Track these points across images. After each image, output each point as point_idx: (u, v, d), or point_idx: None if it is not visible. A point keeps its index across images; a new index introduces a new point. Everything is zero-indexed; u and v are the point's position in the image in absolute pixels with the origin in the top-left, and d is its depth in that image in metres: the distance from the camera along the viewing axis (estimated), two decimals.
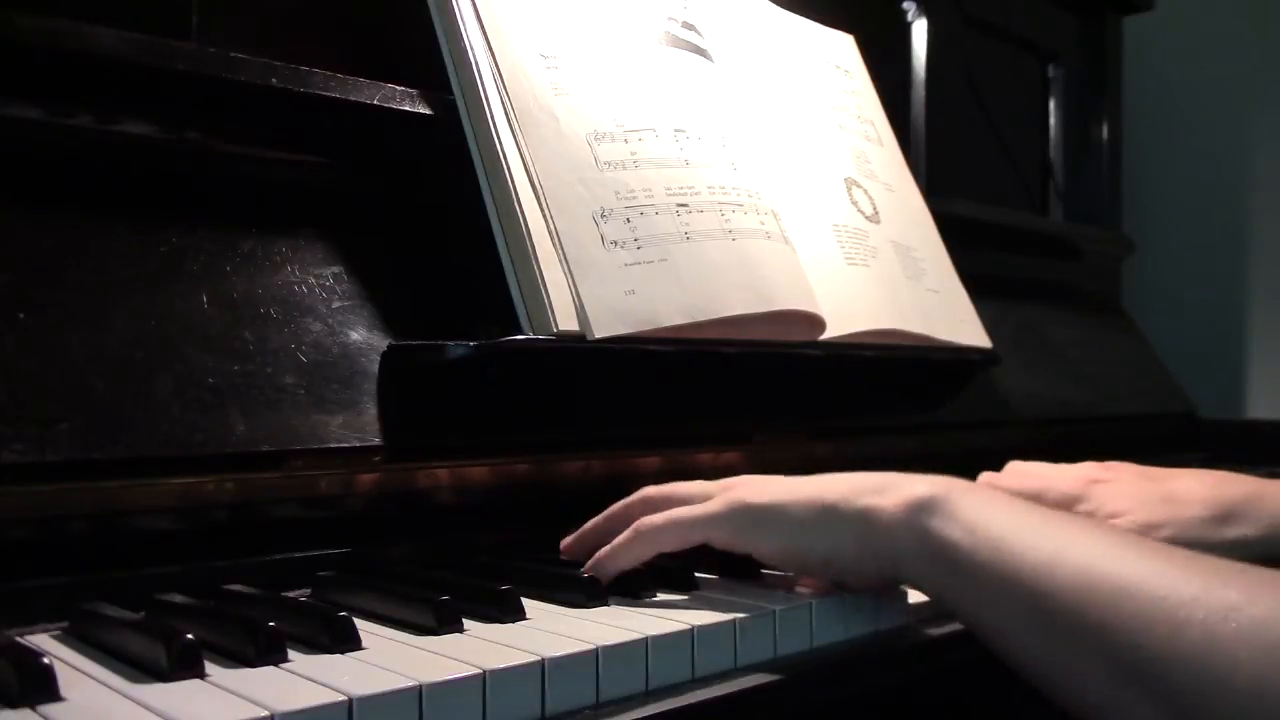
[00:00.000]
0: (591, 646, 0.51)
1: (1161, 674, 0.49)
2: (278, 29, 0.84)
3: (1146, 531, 0.81)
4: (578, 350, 0.75)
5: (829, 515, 0.63)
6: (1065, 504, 0.86)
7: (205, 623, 0.52)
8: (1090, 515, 0.84)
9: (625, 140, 0.82)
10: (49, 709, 0.43)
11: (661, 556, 0.66)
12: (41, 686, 0.44)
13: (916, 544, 0.59)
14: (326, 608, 0.56)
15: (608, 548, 0.65)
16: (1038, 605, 0.54)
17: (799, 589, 0.67)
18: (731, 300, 0.82)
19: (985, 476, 0.92)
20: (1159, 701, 0.50)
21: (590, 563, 0.65)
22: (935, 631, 0.66)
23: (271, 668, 0.48)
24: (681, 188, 0.83)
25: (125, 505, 0.62)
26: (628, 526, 0.66)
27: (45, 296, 0.62)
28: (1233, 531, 0.83)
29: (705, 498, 0.66)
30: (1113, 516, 0.84)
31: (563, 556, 0.71)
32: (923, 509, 0.59)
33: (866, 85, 1.16)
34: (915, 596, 0.67)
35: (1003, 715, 0.73)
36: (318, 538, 0.69)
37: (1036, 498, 0.81)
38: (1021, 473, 0.94)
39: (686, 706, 0.52)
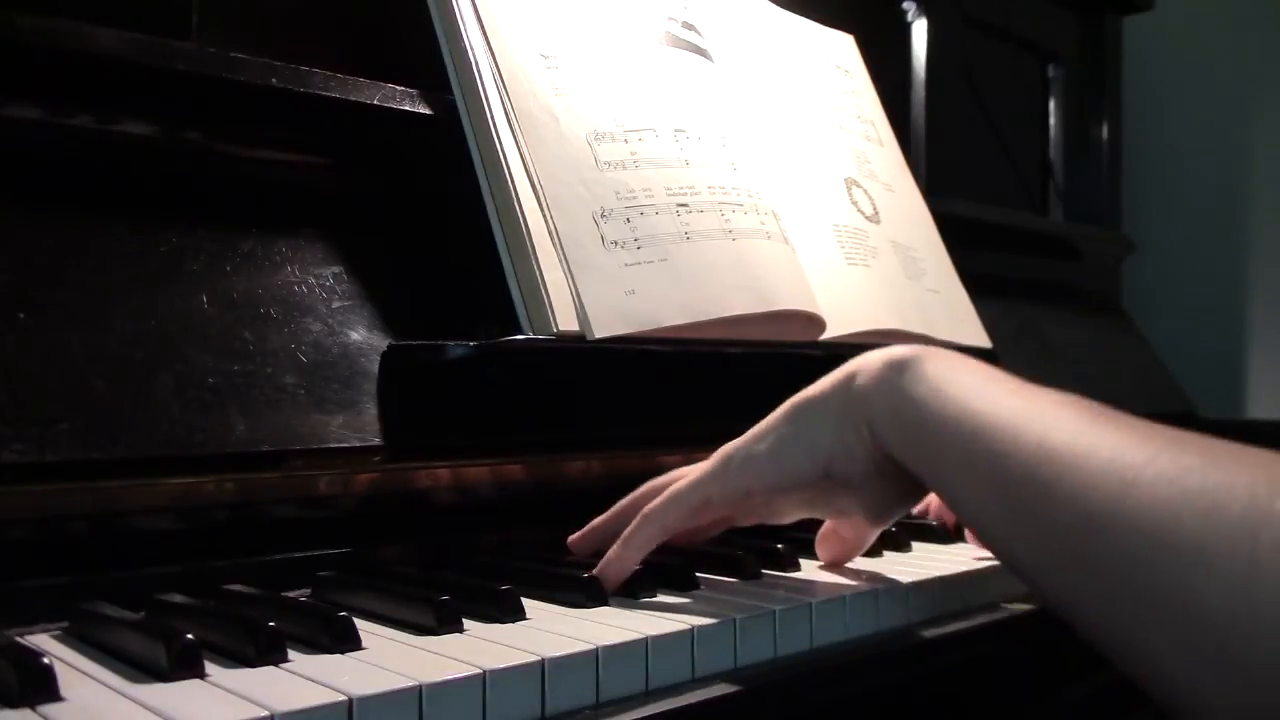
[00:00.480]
0: (591, 646, 0.51)
1: (1107, 532, 0.48)
2: (278, 29, 0.84)
3: None
4: (578, 350, 0.75)
5: (805, 409, 0.63)
6: None
7: (205, 623, 0.52)
8: None
9: (625, 140, 0.82)
10: (49, 709, 0.43)
11: (663, 553, 0.65)
12: (41, 686, 0.44)
13: (886, 403, 0.59)
14: (326, 608, 0.56)
15: (615, 547, 0.64)
16: (997, 467, 0.53)
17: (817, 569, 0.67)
18: (731, 300, 0.82)
19: None
20: (1104, 565, 0.48)
21: (600, 565, 0.63)
22: (935, 631, 0.66)
23: (271, 668, 0.48)
24: (681, 188, 0.83)
25: (125, 505, 0.62)
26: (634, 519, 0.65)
27: (45, 296, 0.62)
28: None
29: None
30: None
31: (571, 553, 0.71)
32: (895, 367, 0.60)
33: (866, 85, 1.16)
34: (915, 598, 0.68)
35: (1003, 715, 0.73)
36: (318, 537, 0.69)
37: None
38: None
39: (686, 706, 0.52)
